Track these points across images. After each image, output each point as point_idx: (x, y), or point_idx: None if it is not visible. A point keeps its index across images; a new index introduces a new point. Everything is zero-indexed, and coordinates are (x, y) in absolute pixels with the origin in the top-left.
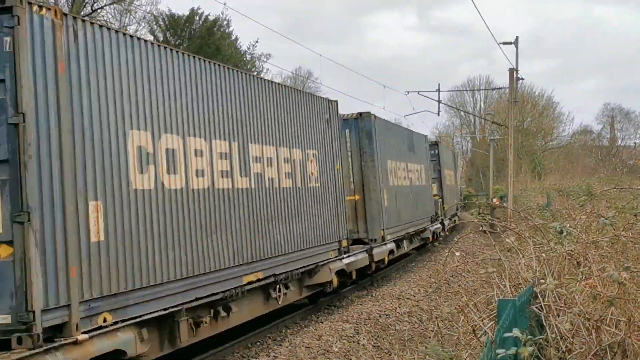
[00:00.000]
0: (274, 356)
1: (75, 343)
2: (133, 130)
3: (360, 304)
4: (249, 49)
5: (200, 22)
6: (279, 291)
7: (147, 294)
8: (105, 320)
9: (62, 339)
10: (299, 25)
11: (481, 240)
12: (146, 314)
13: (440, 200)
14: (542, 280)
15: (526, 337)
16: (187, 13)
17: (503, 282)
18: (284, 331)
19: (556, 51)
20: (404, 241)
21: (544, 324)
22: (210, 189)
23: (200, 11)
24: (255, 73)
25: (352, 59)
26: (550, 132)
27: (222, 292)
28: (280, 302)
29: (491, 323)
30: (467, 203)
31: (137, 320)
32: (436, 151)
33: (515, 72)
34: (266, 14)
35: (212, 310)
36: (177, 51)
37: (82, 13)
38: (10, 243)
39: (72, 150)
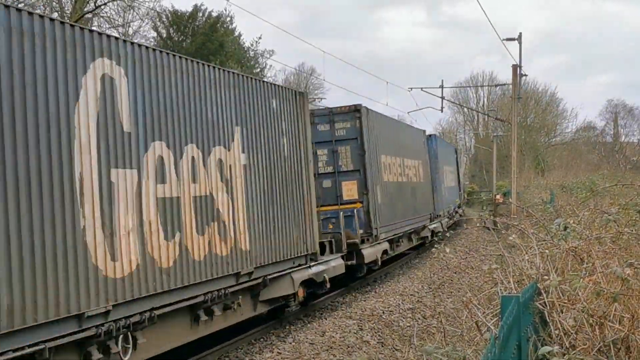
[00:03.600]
0: (277, 352)
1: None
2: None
3: (364, 300)
4: (252, 45)
5: (204, 19)
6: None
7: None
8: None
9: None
10: (309, 21)
11: (484, 237)
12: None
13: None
14: (546, 277)
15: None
16: (190, 9)
17: (507, 279)
18: (287, 327)
19: (568, 47)
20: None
21: (548, 320)
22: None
23: (203, 7)
24: (258, 69)
25: (361, 55)
26: (553, 128)
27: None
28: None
29: (495, 319)
30: (470, 199)
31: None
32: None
33: (518, 68)
34: (277, 10)
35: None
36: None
37: (85, 9)
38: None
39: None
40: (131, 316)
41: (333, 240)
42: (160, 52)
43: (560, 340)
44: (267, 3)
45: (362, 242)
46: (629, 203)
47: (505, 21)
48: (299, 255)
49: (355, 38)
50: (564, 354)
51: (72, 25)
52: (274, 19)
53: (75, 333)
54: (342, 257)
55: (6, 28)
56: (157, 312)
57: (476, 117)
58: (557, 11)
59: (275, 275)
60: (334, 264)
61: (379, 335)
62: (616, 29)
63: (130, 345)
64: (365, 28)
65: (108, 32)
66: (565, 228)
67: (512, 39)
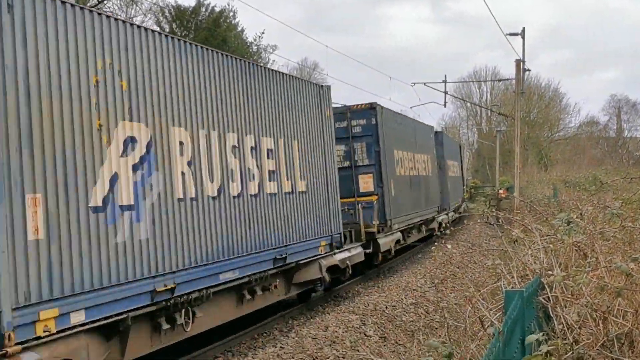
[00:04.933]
0: (280, 347)
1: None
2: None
3: (367, 295)
4: (255, 40)
5: (207, 14)
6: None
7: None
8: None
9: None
10: (314, 17)
11: (487, 232)
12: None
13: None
14: (549, 272)
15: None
16: (193, 4)
17: (510, 273)
18: (290, 322)
19: (572, 43)
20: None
21: (551, 315)
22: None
23: (206, 2)
24: (261, 65)
25: (365, 51)
26: (556, 123)
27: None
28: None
29: (498, 314)
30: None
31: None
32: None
33: (522, 63)
34: (282, 5)
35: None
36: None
37: (88, 4)
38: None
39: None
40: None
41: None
42: None
43: (564, 335)
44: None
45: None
46: (633, 197)
47: (510, 16)
48: None
49: (359, 34)
50: (567, 351)
51: None
52: (279, 14)
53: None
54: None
55: None
56: None
57: (479, 112)
58: (560, 6)
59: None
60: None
61: (382, 330)
62: (619, 24)
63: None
64: (370, 24)
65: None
66: (569, 223)
67: (516, 34)
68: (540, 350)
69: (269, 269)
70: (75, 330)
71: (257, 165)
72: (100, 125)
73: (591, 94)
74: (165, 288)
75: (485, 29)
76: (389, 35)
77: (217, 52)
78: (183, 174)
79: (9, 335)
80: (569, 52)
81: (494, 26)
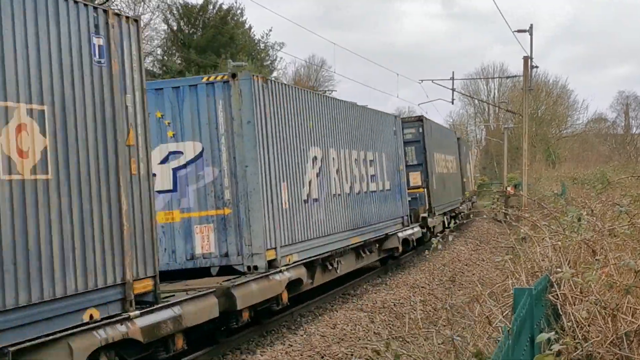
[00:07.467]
0: (289, 345)
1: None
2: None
3: (375, 293)
4: (262, 37)
5: (214, 11)
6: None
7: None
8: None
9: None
10: (324, 13)
11: (495, 229)
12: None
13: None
14: (558, 269)
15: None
16: (200, 2)
17: (518, 271)
18: (299, 320)
19: (586, 38)
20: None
21: (560, 312)
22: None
23: (214, 0)
24: (269, 62)
25: (376, 47)
26: (564, 120)
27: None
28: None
29: (507, 312)
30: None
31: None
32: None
33: (529, 60)
34: (294, 2)
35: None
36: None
37: (96, 2)
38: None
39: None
40: None
41: None
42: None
43: (573, 333)
44: None
45: None
46: None
47: (522, 12)
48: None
49: (370, 30)
50: (576, 348)
51: None
52: (289, 11)
53: None
54: None
55: None
56: None
57: (487, 109)
58: (573, 2)
59: None
60: None
61: (390, 327)
62: (633, 20)
63: None
64: (380, 20)
65: None
66: (580, 219)
67: (524, 31)
68: (552, 349)
69: None
70: None
71: None
72: None
73: (602, 90)
74: None
75: (497, 24)
76: (400, 31)
77: None
78: None
79: None
80: (581, 48)
81: (507, 21)
